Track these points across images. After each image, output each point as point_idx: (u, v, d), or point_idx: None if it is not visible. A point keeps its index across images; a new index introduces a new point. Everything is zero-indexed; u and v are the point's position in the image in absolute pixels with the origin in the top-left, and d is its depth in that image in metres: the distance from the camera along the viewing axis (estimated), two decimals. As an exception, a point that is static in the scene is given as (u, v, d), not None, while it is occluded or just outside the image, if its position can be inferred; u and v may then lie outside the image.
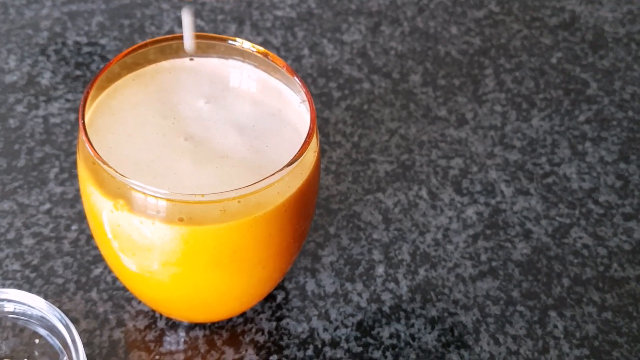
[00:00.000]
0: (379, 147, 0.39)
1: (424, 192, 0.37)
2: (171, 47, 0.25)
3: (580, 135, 0.40)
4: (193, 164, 0.22)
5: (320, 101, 0.41)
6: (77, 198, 0.33)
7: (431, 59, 0.44)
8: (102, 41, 0.42)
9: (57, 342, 0.26)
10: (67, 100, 0.38)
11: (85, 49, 0.41)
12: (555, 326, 0.31)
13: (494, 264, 0.34)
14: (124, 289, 0.30)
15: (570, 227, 0.35)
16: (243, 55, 0.25)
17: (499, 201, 0.36)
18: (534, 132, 0.40)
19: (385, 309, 0.31)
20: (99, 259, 0.31)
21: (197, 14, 0.45)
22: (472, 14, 0.48)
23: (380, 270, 0.33)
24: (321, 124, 0.40)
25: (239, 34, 0.44)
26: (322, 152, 0.38)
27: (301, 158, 0.22)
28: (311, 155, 0.24)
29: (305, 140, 0.22)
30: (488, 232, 0.35)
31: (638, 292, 0.33)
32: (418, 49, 0.45)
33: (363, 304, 0.31)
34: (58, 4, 0.44)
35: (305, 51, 0.43)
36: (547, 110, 0.42)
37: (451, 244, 0.34)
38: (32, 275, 0.30)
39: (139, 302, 0.30)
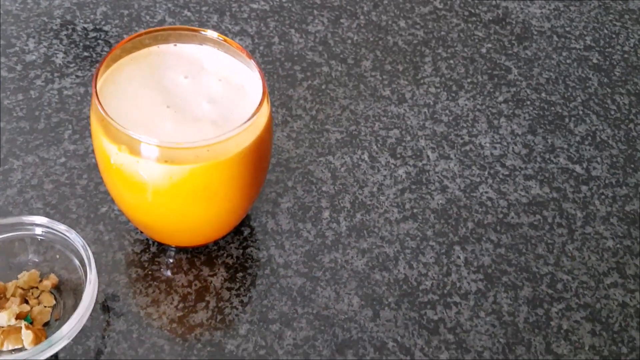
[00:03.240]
0: (332, 119, 0.47)
1: (365, 156, 0.45)
2: (161, 35, 0.34)
3: (497, 113, 0.49)
4: (174, 124, 0.31)
5: (285, 81, 0.49)
6: (86, 154, 0.42)
7: (381, 48, 0.53)
8: (106, 28, 0.50)
9: (75, 259, 0.35)
10: (77, 77, 0.46)
11: (92, 34, 0.50)
12: (458, 257, 0.40)
13: (415, 210, 0.42)
14: (125, 222, 0.39)
15: (479, 184, 0.44)
16: (214, 43, 0.34)
17: (425, 164, 0.45)
18: (459, 109, 0.49)
19: (328, 242, 0.40)
20: (104, 200, 0.40)
21: (184, 6, 0.53)
22: (419, 9, 0.56)
23: (326, 214, 0.42)
24: (285, 100, 0.48)
25: (219, 23, 0.52)
26: (285, 122, 0.47)
27: (252, 120, 0.31)
28: (262, 119, 0.32)
29: (256, 108, 0.31)
30: (413, 187, 0.44)
31: (529, 234, 0.42)
32: (371, 39, 0.53)
33: (311, 238, 0.40)
34: (67, -4, 0.52)
35: (276, 39, 0.52)
36: (473, 92, 0.50)
37: (383, 196, 0.43)
38: (52, 212, 0.39)
39: (137, 232, 0.39)
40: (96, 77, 0.31)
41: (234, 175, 0.32)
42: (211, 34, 0.34)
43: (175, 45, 0.34)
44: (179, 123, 0.31)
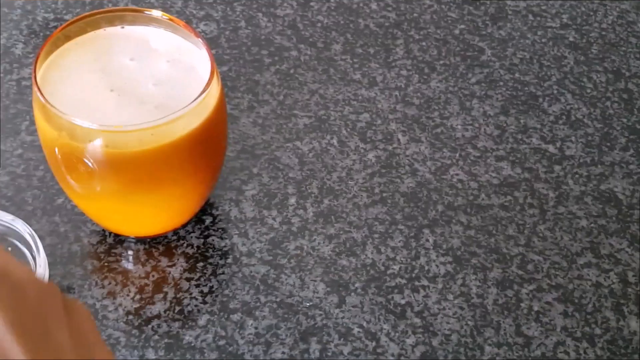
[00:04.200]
0: (300, 104, 0.46)
1: (334, 141, 0.44)
2: (107, 17, 0.33)
3: (469, 94, 0.48)
4: (117, 107, 0.30)
5: (252, 66, 0.48)
6: (44, 145, 0.41)
7: (352, 31, 0.52)
8: (67, 17, 0.49)
9: (25, 249, 0.34)
10: (36, 67, 0.45)
11: (52, 24, 0.48)
12: (427, 240, 0.39)
13: (384, 194, 0.41)
14: (81, 214, 0.38)
15: (450, 166, 0.43)
16: (161, 23, 0.33)
17: (395, 147, 0.44)
18: (431, 92, 0.48)
19: (294, 229, 0.39)
20: (60, 192, 0.39)
21: (149, -7, 0.52)
22: (390, -9, 0.55)
23: (292, 200, 0.41)
24: (252, 85, 0.47)
25: (184, 8, 0.51)
26: (251, 108, 0.46)
27: (200, 99, 0.30)
28: (211, 99, 0.31)
29: (203, 89, 0.30)
30: (383, 171, 0.43)
31: (500, 215, 0.41)
32: (341, 22, 0.52)
33: (276, 225, 0.39)
34: (29, -14, 0.51)
35: (242, 23, 0.51)
36: (445, 74, 0.49)
37: (352, 180, 0.42)
38: (8, 204, 0.38)
39: (93, 223, 0.37)
40: (36, 62, 0.30)
41: (183, 160, 0.31)
42: (156, 13, 0.32)
43: (123, 27, 0.33)
44: (123, 107, 0.30)
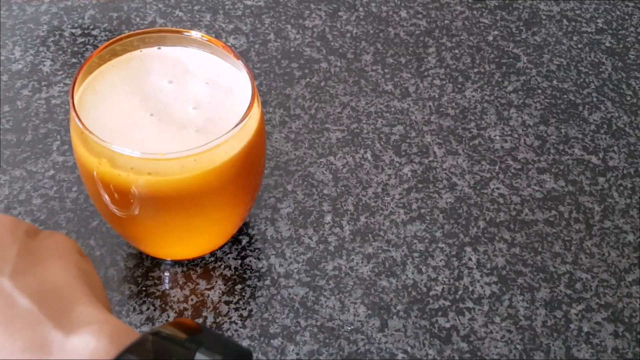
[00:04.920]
0: (332, 118, 0.45)
1: (368, 155, 0.43)
2: (143, 39, 0.32)
3: (506, 103, 0.47)
4: (157, 133, 0.29)
5: (283, 80, 0.47)
6: (76, 165, 0.40)
7: (382, 40, 0.50)
8: (94, 32, 0.48)
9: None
10: (65, 84, 0.45)
11: (80, 40, 0.48)
12: (470, 259, 0.38)
13: (422, 211, 0.40)
14: (117, 236, 0.37)
15: (490, 180, 0.42)
16: (200, 44, 0.32)
17: (431, 160, 0.43)
18: (466, 101, 0.47)
19: (331, 248, 0.38)
20: (95, 214, 0.38)
21: (175, 6, 0.51)
22: (420, -3, 0.54)
23: (328, 218, 0.40)
24: (283, 100, 0.46)
25: (212, 22, 0.50)
26: (283, 123, 0.45)
27: (241, 125, 0.29)
28: (252, 123, 0.30)
29: (245, 112, 0.29)
30: (420, 185, 0.42)
31: (545, 231, 0.40)
32: (371, 31, 0.51)
33: (312, 245, 0.38)
34: (55, 1, 0.50)
35: (272, 36, 0.50)
36: (480, 82, 0.48)
37: (388, 196, 0.41)
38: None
39: (129, 246, 0.37)
40: (73, 88, 0.29)
41: (224, 184, 0.30)
42: (195, 34, 0.32)
43: (159, 48, 0.32)
44: (163, 131, 0.29)
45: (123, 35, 0.31)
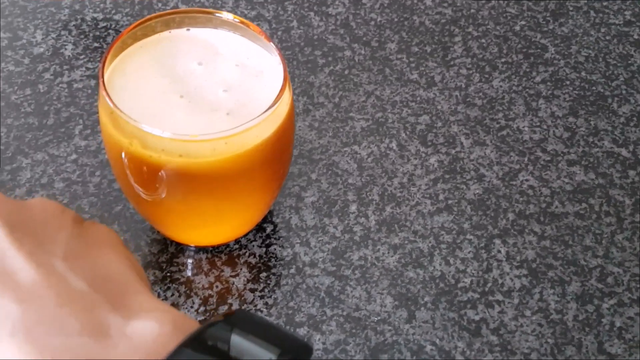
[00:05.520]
0: (356, 106, 0.44)
1: (394, 145, 0.42)
2: (172, 19, 0.31)
3: (535, 94, 0.46)
4: (188, 114, 0.28)
5: (306, 67, 0.46)
6: (99, 150, 0.40)
7: (407, 29, 0.49)
8: (116, 17, 0.48)
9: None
10: (87, 69, 0.44)
11: (102, 24, 0.47)
12: (499, 251, 0.37)
13: (449, 202, 0.39)
14: (141, 221, 0.37)
15: (519, 171, 0.41)
16: (230, 26, 0.31)
17: (458, 151, 0.42)
18: (494, 92, 0.46)
19: (356, 238, 0.38)
20: (118, 199, 0.37)
21: (198, -9, 0.50)
22: (445, -14, 0.53)
23: (353, 208, 0.39)
24: (306, 88, 0.45)
25: (235, 8, 0.49)
26: (306, 111, 0.44)
27: (273, 108, 0.28)
28: (283, 107, 0.29)
29: (277, 95, 0.28)
30: (447, 176, 0.41)
31: (575, 224, 0.39)
32: (395, 19, 0.50)
33: (338, 234, 0.38)
34: (76, -15, 0.50)
35: (294, 23, 0.49)
36: (507, 72, 0.47)
37: (414, 187, 0.40)
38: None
39: (154, 231, 0.36)
40: (103, 68, 0.28)
41: (254, 169, 0.29)
42: (227, 16, 0.31)
43: (189, 29, 0.32)
44: (194, 114, 0.28)
45: (152, 15, 0.31)
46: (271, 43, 0.30)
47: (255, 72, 0.31)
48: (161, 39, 0.31)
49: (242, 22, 0.31)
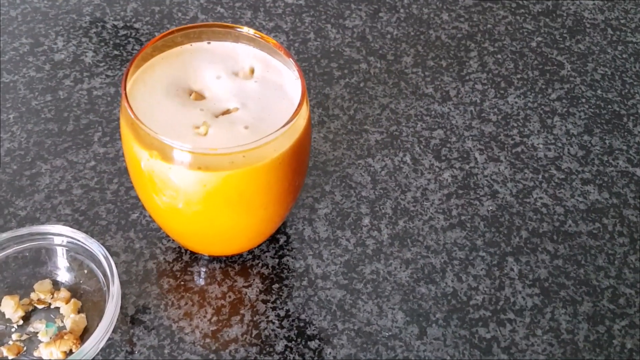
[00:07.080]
0: (371, 119, 0.45)
1: (407, 158, 0.43)
2: (194, 32, 0.32)
3: (550, 111, 0.46)
4: (207, 128, 0.29)
5: (322, 79, 0.47)
6: (117, 157, 0.40)
7: (423, 43, 0.50)
8: (136, 25, 0.48)
9: (98, 271, 0.33)
10: (107, 76, 0.45)
11: (122, 32, 0.48)
12: (512, 269, 0.37)
13: (462, 217, 0.40)
14: (157, 229, 0.37)
15: (533, 189, 0.41)
16: (250, 40, 0.32)
17: (472, 166, 0.42)
18: (509, 107, 0.46)
19: (368, 251, 0.38)
20: (136, 206, 0.38)
21: (217, 2, 0.51)
22: (462, 1, 0.53)
23: (366, 221, 0.39)
24: (322, 99, 0.46)
25: (253, 19, 0.50)
26: (321, 123, 0.44)
27: (291, 123, 0.28)
28: (301, 121, 0.30)
29: (295, 110, 0.29)
30: (460, 192, 0.41)
31: (588, 244, 0.39)
32: (412, 33, 0.50)
33: (350, 247, 0.38)
34: (97, -7, 0.50)
35: (312, 35, 0.49)
36: (523, 88, 0.47)
37: (427, 201, 0.40)
38: (81, 218, 0.37)
39: (169, 240, 0.37)
40: (125, 78, 0.29)
41: (271, 182, 0.30)
42: (247, 30, 0.31)
43: (209, 42, 0.32)
44: (213, 127, 0.29)
45: (173, 29, 0.31)
46: (290, 59, 0.31)
47: (274, 87, 0.31)
48: (182, 52, 0.32)
49: (262, 37, 0.31)
